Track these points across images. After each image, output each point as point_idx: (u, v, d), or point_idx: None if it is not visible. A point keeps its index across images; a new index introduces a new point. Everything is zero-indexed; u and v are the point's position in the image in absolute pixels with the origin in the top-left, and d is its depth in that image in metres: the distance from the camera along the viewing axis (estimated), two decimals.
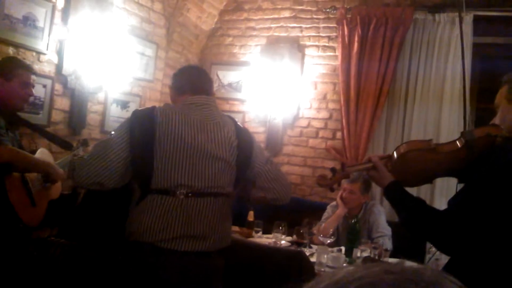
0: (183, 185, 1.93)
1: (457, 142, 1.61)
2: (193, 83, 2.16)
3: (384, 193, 1.68)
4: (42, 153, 2.78)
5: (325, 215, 3.73)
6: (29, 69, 2.76)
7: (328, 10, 4.75)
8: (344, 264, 2.92)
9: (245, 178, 2.13)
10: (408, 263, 0.56)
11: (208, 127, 2.02)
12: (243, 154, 2.08)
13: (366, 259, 2.94)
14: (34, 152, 2.75)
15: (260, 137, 4.77)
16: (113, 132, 2.01)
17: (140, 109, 2.10)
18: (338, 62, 4.60)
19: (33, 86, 2.80)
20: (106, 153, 1.91)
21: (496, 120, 1.58)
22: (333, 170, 1.80)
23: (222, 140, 2.03)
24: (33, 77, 2.78)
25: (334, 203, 3.74)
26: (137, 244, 1.94)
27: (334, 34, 4.73)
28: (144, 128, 1.93)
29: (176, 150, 1.93)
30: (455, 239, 1.41)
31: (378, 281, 0.52)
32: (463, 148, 1.58)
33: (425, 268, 0.54)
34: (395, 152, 1.69)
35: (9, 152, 2.43)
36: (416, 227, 1.61)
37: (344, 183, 3.56)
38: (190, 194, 1.94)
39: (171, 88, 2.22)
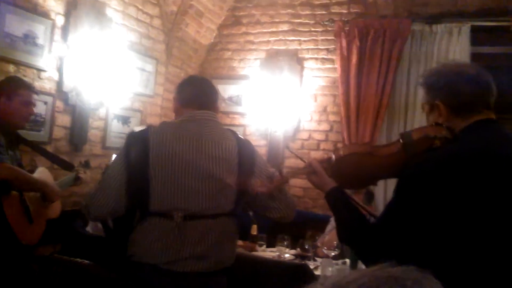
0: (179, 208, 1.90)
1: (395, 145, 1.55)
2: (199, 97, 2.09)
3: (325, 199, 1.63)
4: (41, 172, 2.78)
5: (329, 227, 3.71)
6: (30, 89, 2.79)
7: (326, 22, 4.78)
8: None
9: (248, 195, 2.06)
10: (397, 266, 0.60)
11: (205, 146, 1.96)
12: (244, 172, 2.02)
13: None
14: (33, 171, 2.74)
15: (261, 150, 4.76)
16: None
17: (134, 132, 2.05)
18: (337, 74, 4.62)
19: (34, 105, 2.82)
20: (108, 183, 1.94)
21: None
22: (271, 177, 1.77)
23: (220, 158, 1.97)
24: (35, 96, 2.80)
25: None
26: (138, 265, 1.92)
27: (333, 46, 4.76)
28: (138, 152, 1.92)
29: (171, 172, 1.90)
30: (379, 255, 1.37)
31: (372, 280, 0.56)
32: (401, 151, 1.51)
33: (411, 270, 0.58)
34: (334, 156, 1.63)
35: (7, 170, 2.43)
36: (346, 239, 1.59)
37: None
38: (187, 217, 1.90)
39: (176, 98, 2.14)
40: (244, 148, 2.06)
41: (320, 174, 1.63)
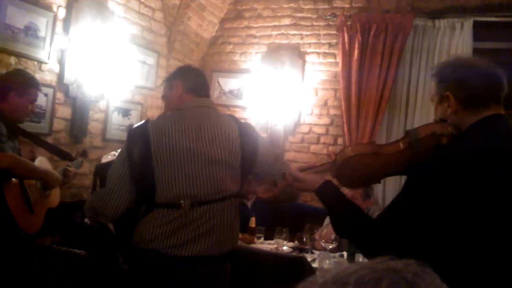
0: (186, 195, 1.91)
1: (401, 143, 1.52)
2: (202, 85, 2.16)
3: (316, 195, 1.60)
4: (40, 162, 2.80)
5: (327, 220, 3.71)
6: (39, 89, 2.82)
7: (328, 17, 4.77)
8: None
9: (252, 175, 2.10)
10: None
11: (206, 131, 1.99)
12: (247, 152, 2.05)
13: None
14: (32, 161, 2.76)
15: None
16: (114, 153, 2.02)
17: (134, 127, 2.06)
18: (338, 69, 4.61)
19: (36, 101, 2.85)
20: (119, 181, 1.93)
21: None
22: (274, 181, 1.78)
23: (221, 142, 2.00)
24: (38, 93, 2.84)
25: None
26: (142, 251, 1.94)
27: (335, 40, 4.75)
28: (139, 147, 1.93)
29: (175, 161, 1.92)
30: (382, 248, 1.36)
31: (373, 272, 0.57)
32: (407, 148, 1.49)
33: (411, 263, 0.58)
34: (338, 157, 1.61)
35: (10, 158, 2.45)
36: (345, 233, 1.58)
37: (345, 189, 3.54)
38: (195, 204, 1.92)
39: (180, 84, 2.13)
40: (245, 129, 2.10)
41: (302, 179, 1.63)
